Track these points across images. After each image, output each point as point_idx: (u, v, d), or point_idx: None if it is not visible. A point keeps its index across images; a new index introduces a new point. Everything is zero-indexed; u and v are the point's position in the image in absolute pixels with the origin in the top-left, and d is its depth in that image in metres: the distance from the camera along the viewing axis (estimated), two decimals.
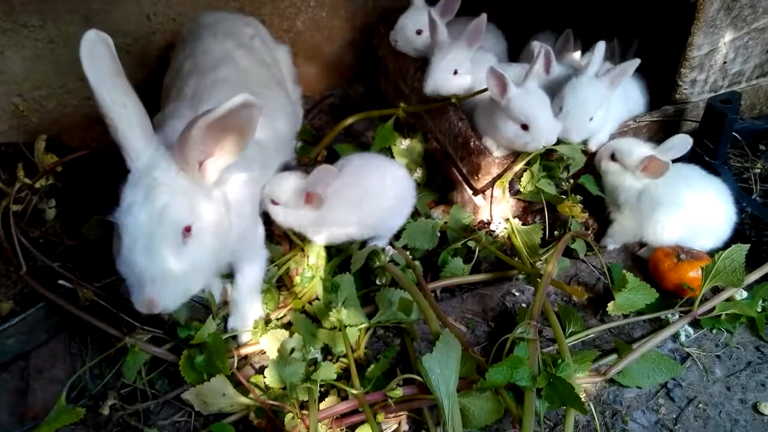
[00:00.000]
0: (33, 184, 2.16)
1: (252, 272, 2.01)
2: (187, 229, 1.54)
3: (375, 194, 2.19)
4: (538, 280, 1.98)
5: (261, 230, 2.06)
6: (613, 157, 2.21)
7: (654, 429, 1.81)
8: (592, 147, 2.28)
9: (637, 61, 2.17)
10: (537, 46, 2.22)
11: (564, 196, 2.21)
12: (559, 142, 2.21)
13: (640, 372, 1.90)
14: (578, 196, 2.20)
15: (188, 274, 1.56)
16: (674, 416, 1.83)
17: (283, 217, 2.13)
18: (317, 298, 2.06)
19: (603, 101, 2.18)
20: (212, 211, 1.62)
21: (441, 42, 2.41)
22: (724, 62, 2.36)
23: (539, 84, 2.33)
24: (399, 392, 1.67)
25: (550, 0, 2.93)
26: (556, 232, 2.27)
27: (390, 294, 1.98)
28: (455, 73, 2.38)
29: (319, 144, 2.60)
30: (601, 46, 2.20)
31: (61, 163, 2.16)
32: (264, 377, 1.77)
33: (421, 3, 2.61)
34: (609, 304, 2.03)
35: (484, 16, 2.35)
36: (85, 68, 1.49)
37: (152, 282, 1.50)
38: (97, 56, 1.53)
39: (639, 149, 2.16)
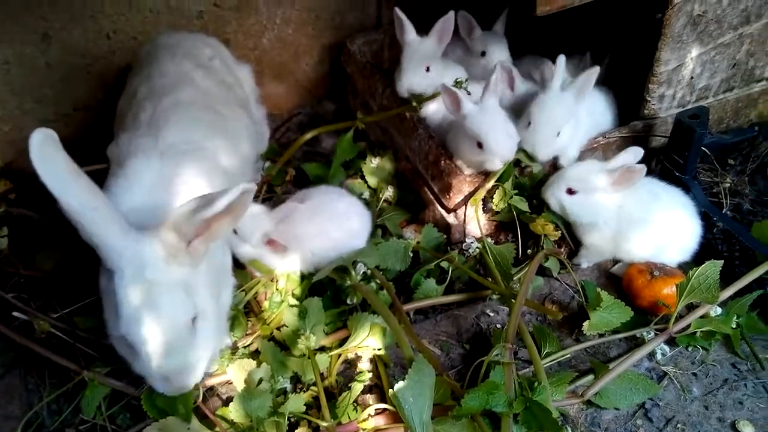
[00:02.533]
0: None
1: (222, 300, 1.94)
2: (195, 318, 1.53)
3: (331, 228, 2.15)
4: (513, 300, 1.95)
5: (228, 259, 1.98)
6: (569, 191, 2.14)
7: None
8: (565, 164, 2.27)
9: (597, 69, 2.17)
10: (498, 64, 2.19)
11: (535, 215, 2.19)
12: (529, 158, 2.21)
13: (618, 393, 1.86)
14: (550, 215, 2.18)
15: (206, 347, 1.58)
16: None
17: (248, 256, 2.09)
18: (285, 325, 1.99)
19: (570, 115, 2.17)
20: (206, 283, 1.61)
21: (410, 41, 2.40)
22: (692, 77, 2.36)
23: (507, 102, 2.33)
24: (371, 424, 1.61)
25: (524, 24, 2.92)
26: (529, 251, 2.25)
27: (362, 319, 1.92)
28: (427, 70, 2.37)
29: (279, 160, 2.55)
30: (561, 60, 2.19)
31: (14, 190, 2.07)
32: (230, 411, 1.69)
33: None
34: (584, 324, 1.99)
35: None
36: (42, 176, 1.36)
37: (179, 374, 1.52)
38: (50, 159, 1.38)
39: (596, 168, 2.12)
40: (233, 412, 1.66)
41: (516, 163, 2.24)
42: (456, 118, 2.18)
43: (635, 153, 2.12)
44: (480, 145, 2.10)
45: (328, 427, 1.64)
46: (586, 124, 2.31)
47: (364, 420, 1.63)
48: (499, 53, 2.61)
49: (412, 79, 2.39)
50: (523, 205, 2.19)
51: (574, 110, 2.17)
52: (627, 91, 2.50)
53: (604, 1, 2.05)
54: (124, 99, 2.15)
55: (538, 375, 1.73)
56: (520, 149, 2.20)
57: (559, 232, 2.19)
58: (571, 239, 2.28)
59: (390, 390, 1.59)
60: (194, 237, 1.49)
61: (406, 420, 1.55)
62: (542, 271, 2.25)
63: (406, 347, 1.74)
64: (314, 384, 1.81)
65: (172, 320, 1.46)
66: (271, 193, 2.54)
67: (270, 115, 3.02)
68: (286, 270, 2.13)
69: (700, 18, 2.19)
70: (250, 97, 2.55)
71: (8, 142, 2.54)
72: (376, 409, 1.66)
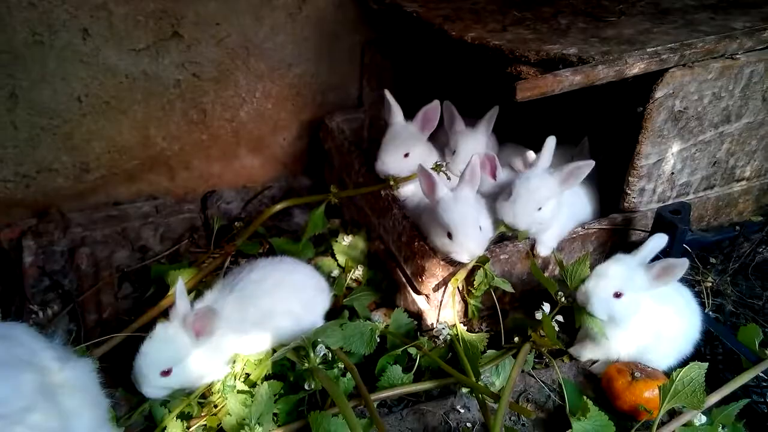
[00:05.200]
0: None
1: None
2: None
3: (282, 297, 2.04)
4: (485, 397, 1.80)
5: None
6: (617, 295, 1.93)
7: None
8: (541, 252, 2.18)
9: (591, 163, 2.10)
10: (475, 155, 2.13)
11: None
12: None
13: None
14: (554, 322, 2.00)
15: None
16: None
17: None
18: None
19: (552, 195, 2.10)
20: None
21: (395, 123, 2.40)
22: (672, 173, 2.33)
23: (488, 188, 2.27)
24: None
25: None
26: (516, 338, 2.08)
27: (326, 422, 1.74)
28: (406, 155, 2.33)
29: (246, 230, 2.44)
30: (551, 141, 2.15)
31: None
32: None
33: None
34: None
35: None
36: None
37: None
38: None
39: (634, 264, 1.94)
40: None
41: (500, 238, 2.18)
42: (430, 202, 2.11)
43: (660, 240, 1.99)
44: (450, 236, 2.02)
45: None
46: (566, 213, 2.24)
47: None
48: (469, 152, 2.45)
49: (390, 164, 2.35)
50: (507, 287, 2.08)
51: (556, 192, 2.10)
52: (607, 183, 2.46)
53: (585, 92, 2.03)
54: None
55: None
56: (501, 221, 2.14)
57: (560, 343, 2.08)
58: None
59: None
60: None
61: None
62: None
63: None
64: None
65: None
66: (234, 264, 2.39)
67: (244, 188, 2.95)
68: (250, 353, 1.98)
69: (681, 114, 2.18)
70: None
71: None
72: None
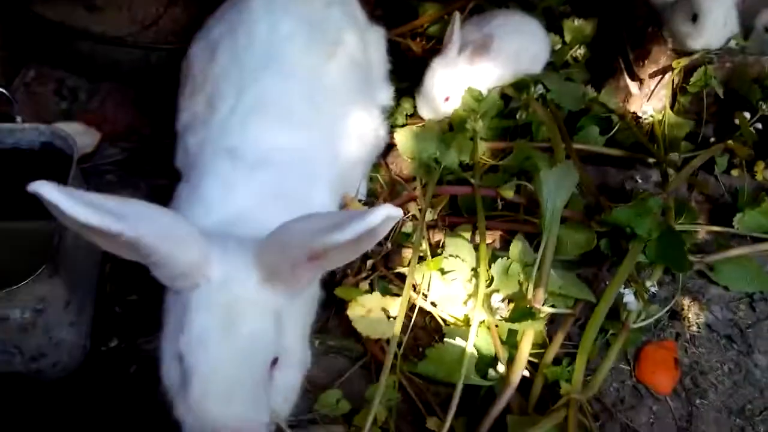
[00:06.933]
0: None
1: None
2: (275, 361, 1.17)
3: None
4: (668, 169, 2.04)
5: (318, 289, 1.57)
6: None
7: (726, 324, 1.88)
8: None
9: None
10: None
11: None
12: None
13: (732, 274, 1.93)
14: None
15: (279, 402, 1.23)
16: (750, 322, 1.89)
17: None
18: None
19: None
20: (298, 320, 1.32)
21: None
22: None
23: None
24: (510, 193, 1.83)
25: None
26: (712, 139, 2.25)
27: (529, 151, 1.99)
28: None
29: None
30: None
31: None
32: None
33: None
34: (735, 217, 2.03)
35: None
36: (81, 216, 0.95)
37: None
38: (78, 196, 0.97)
39: None
40: None
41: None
42: None
43: None
44: (694, 18, 2.11)
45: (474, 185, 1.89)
46: None
47: (505, 189, 1.87)
48: None
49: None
50: (720, 90, 2.20)
51: None
52: None
53: None
54: (199, 55, 1.70)
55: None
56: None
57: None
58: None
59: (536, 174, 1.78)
60: (303, 262, 1.12)
61: (541, 201, 1.75)
62: (706, 166, 2.25)
63: (560, 151, 1.91)
64: None
65: (248, 352, 1.10)
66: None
67: None
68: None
69: None
70: (375, 75, 1.97)
71: None
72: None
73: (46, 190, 0.92)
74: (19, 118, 1.67)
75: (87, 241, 1.03)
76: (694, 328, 1.86)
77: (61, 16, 2.31)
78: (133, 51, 2.25)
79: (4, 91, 1.69)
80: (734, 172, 2.27)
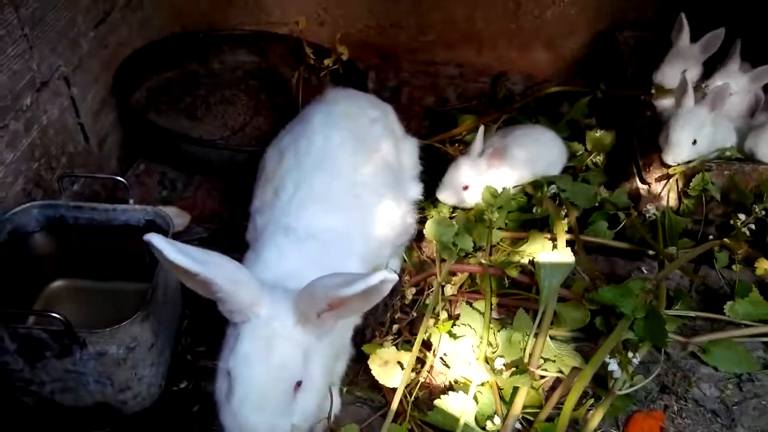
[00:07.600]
0: None
1: (336, 369, 1.94)
2: (299, 384, 1.48)
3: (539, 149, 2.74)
4: (666, 261, 2.33)
5: (350, 334, 1.97)
6: None
7: (714, 401, 2.09)
8: None
9: None
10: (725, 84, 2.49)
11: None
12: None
13: (722, 356, 2.16)
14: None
15: (299, 419, 1.50)
16: (736, 400, 2.09)
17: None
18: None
19: None
20: (324, 359, 1.59)
21: (680, 44, 2.80)
22: None
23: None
24: (515, 272, 2.18)
25: None
26: (711, 237, 2.55)
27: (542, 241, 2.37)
28: (683, 71, 2.62)
29: (521, 101, 3.14)
30: None
31: None
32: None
33: None
34: (726, 305, 2.28)
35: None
36: (180, 261, 1.37)
37: None
38: (178, 247, 1.39)
39: None
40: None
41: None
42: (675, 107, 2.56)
43: None
44: (667, 137, 2.49)
45: (482, 264, 2.25)
46: None
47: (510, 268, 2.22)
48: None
49: (669, 74, 2.76)
50: (717, 195, 2.49)
51: None
52: None
53: None
54: (271, 156, 2.13)
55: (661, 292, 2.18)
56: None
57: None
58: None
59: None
60: (325, 310, 1.47)
61: (539, 280, 2.09)
62: (709, 260, 2.54)
63: (562, 241, 2.27)
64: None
65: (279, 373, 1.44)
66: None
67: (529, 76, 3.61)
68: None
69: None
70: (406, 175, 2.37)
71: None
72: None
73: (155, 239, 1.34)
74: (131, 201, 2.13)
75: (172, 300, 1.46)
76: (683, 402, 2.09)
77: (169, 123, 2.96)
78: (223, 152, 2.78)
79: (122, 179, 2.19)
80: (735, 267, 2.53)
